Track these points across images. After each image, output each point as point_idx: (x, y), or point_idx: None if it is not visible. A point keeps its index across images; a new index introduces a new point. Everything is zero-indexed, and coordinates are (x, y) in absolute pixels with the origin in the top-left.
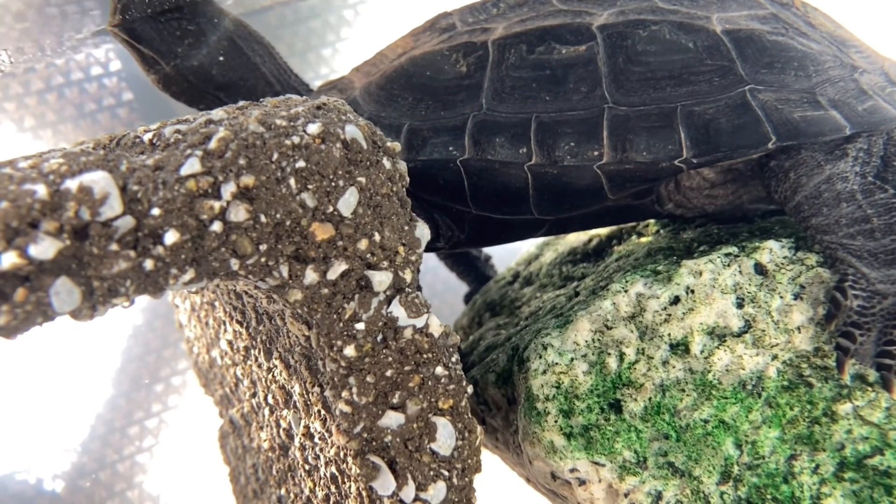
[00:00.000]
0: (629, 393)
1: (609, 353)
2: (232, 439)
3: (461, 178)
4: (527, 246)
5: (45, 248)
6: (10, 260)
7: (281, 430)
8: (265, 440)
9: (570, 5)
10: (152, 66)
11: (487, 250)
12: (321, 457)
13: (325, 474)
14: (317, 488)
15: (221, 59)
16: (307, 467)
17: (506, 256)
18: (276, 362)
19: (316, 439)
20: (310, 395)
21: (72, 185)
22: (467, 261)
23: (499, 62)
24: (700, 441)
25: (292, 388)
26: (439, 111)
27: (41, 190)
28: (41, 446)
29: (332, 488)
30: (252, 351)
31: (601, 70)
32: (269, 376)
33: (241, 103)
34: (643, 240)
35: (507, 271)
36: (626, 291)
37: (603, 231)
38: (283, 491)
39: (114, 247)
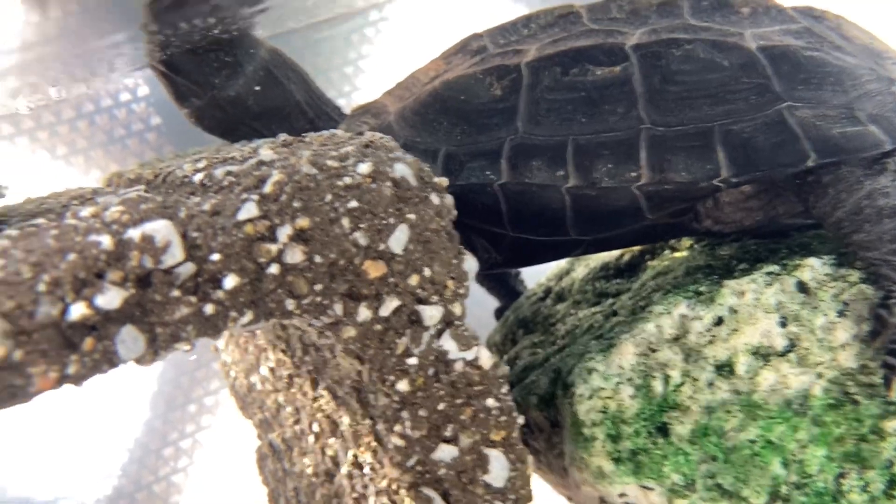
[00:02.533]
0: (676, 416)
1: (654, 377)
2: (271, 462)
3: (498, 202)
4: (552, 262)
5: (111, 297)
6: (79, 311)
7: (326, 458)
8: (309, 466)
9: (601, 25)
10: (186, 100)
11: None
12: (370, 487)
13: None
14: None
15: (258, 88)
16: (355, 496)
17: (535, 270)
18: (323, 392)
19: (366, 469)
20: (360, 426)
21: (134, 234)
22: (497, 276)
23: (533, 85)
24: (747, 462)
25: (340, 418)
26: (475, 135)
27: (106, 240)
28: (83, 472)
29: None
30: (296, 379)
31: (637, 90)
32: (315, 405)
33: (282, 137)
34: (677, 255)
35: (538, 287)
36: (669, 313)
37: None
38: None
39: (176, 293)
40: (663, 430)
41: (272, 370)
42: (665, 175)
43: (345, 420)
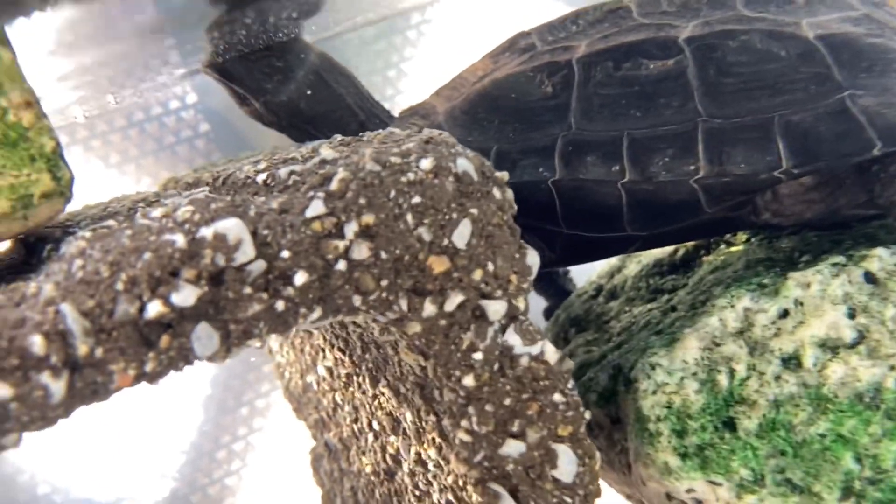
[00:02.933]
0: (742, 410)
1: (719, 371)
2: (326, 462)
3: (552, 199)
4: (605, 259)
5: (186, 295)
6: (155, 309)
7: (387, 456)
8: (367, 464)
9: (652, 19)
10: (244, 101)
11: None
12: (434, 483)
13: (438, 501)
14: None
15: (309, 92)
16: (417, 493)
17: (584, 269)
18: (384, 390)
19: (430, 466)
20: (423, 423)
21: (207, 233)
22: (547, 275)
23: (585, 80)
24: (818, 456)
25: (402, 415)
26: (527, 132)
27: (180, 239)
28: (141, 474)
29: None
30: (355, 378)
31: (692, 83)
32: (375, 403)
33: (339, 138)
34: (734, 249)
35: (589, 285)
36: (732, 307)
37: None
38: None
39: (248, 290)
40: (730, 425)
41: (330, 369)
42: (724, 167)
43: (407, 417)
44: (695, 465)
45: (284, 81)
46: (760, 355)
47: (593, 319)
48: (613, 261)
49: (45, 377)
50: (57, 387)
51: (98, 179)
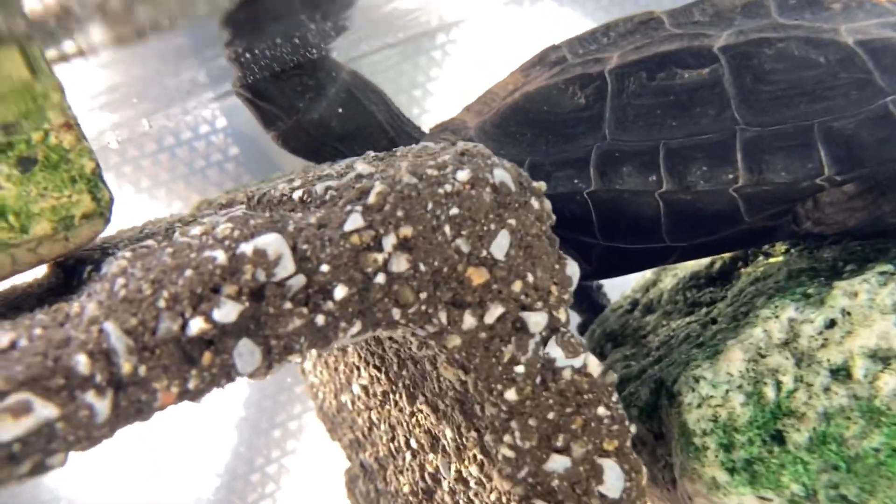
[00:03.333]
0: (791, 423)
1: (765, 383)
2: (362, 483)
3: (588, 211)
4: (640, 272)
5: (227, 311)
6: (197, 325)
7: (426, 475)
8: (405, 484)
9: (685, 29)
10: (273, 123)
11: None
12: (476, 502)
13: None
14: None
15: (340, 110)
16: None
17: (617, 284)
18: (422, 406)
19: (471, 484)
20: (464, 439)
21: (247, 248)
22: (580, 290)
23: (618, 91)
24: (873, 471)
25: (441, 432)
26: (560, 145)
27: (220, 256)
28: (178, 498)
29: None
30: (392, 395)
31: (728, 91)
32: (413, 420)
33: (372, 154)
34: (773, 260)
35: (624, 299)
36: (776, 317)
37: (725, 253)
38: None
39: (288, 305)
40: (779, 438)
41: (365, 387)
42: (763, 176)
43: (447, 434)
44: (743, 479)
45: (316, 99)
46: (808, 366)
47: (630, 334)
48: (648, 274)
49: (90, 396)
50: (102, 406)
51: (130, 204)
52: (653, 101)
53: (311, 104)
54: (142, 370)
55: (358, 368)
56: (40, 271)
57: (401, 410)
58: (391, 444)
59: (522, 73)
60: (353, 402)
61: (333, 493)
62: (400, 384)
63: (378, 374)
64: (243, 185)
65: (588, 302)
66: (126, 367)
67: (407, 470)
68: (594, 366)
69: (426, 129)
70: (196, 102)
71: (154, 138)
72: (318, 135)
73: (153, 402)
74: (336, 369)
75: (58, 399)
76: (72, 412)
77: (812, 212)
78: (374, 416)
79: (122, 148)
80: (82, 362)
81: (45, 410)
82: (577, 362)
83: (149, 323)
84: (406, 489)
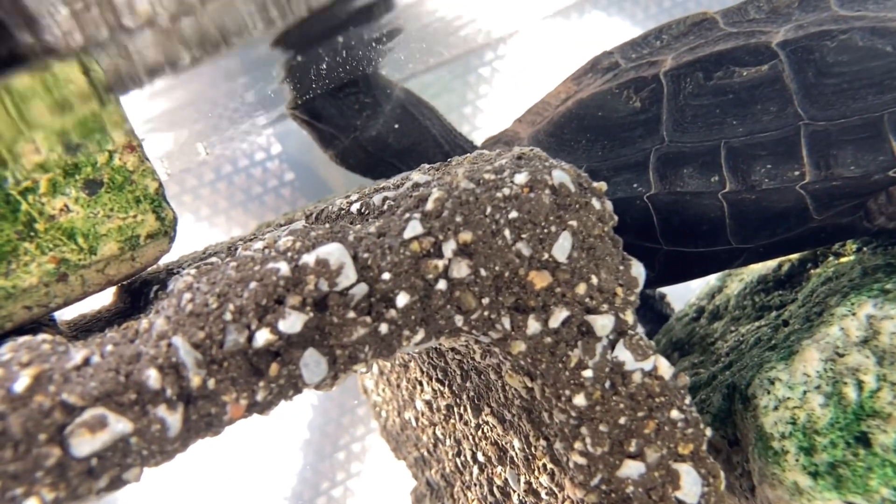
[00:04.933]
0: (876, 424)
1: (845, 383)
2: (429, 501)
3: (649, 215)
4: (704, 279)
5: (292, 322)
6: (263, 337)
7: (494, 488)
8: (473, 500)
9: (740, 27)
10: (331, 143)
11: (662, 288)
12: None
13: None
14: None
15: (396, 126)
16: None
17: (680, 293)
18: (488, 418)
19: (542, 495)
20: (532, 448)
21: (309, 259)
22: (643, 300)
23: (675, 93)
24: None
25: (508, 443)
26: (617, 149)
27: (283, 267)
28: None
29: None
30: (456, 409)
31: (790, 87)
32: (479, 433)
33: (426, 166)
34: (844, 260)
35: (689, 307)
36: (853, 314)
37: (793, 255)
38: None
39: (351, 314)
40: (864, 440)
41: (429, 402)
42: (832, 171)
43: (515, 444)
44: (828, 484)
45: (373, 116)
46: (891, 365)
47: (697, 342)
48: (713, 281)
49: (162, 410)
50: (173, 420)
51: (191, 232)
52: (711, 101)
53: (368, 121)
54: (211, 383)
55: (420, 383)
56: (106, 299)
57: (466, 423)
58: (457, 460)
59: (574, 82)
60: (416, 419)
61: None
62: (464, 396)
63: (441, 388)
64: (300, 207)
65: (652, 312)
66: (195, 380)
67: (475, 485)
68: (665, 368)
69: (478, 144)
70: (250, 128)
71: (212, 167)
72: (375, 151)
73: (223, 415)
74: (398, 386)
75: (131, 414)
76: (145, 426)
77: (885, 206)
78: (438, 432)
79: (181, 177)
80: (153, 377)
81: (120, 425)
82: (647, 365)
83: (216, 336)
84: None
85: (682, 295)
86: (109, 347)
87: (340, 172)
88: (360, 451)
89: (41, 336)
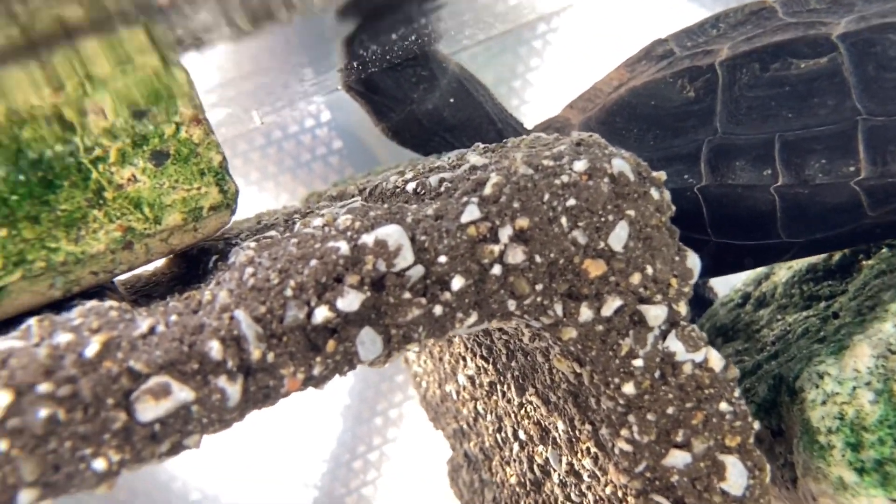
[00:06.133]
0: None
1: None
2: (465, 473)
3: (699, 207)
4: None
5: (350, 300)
6: (322, 314)
7: (535, 466)
8: (512, 475)
9: (800, 17)
10: (385, 115)
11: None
12: (588, 495)
13: None
14: None
15: (452, 100)
16: None
17: (722, 278)
18: (532, 398)
19: (584, 477)
20: (577, 431)
21: (369, 239)
22: None
23: (730, 84)
24: None
25: (552, 424)
26: (669, 139)
27: (343, 246)
28: (285, 482)
29: None
30: (499, 386)
31: (849, 81)
32: (521, 412)
33: (481, 146)
34: None
35: (734, 293)
36: None
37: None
38: None
39: (407, 295)
40: None
41: (471, 378)
42: (888, 167)
43: (558, 426)
44: (874, 481)
45: (430, 90)
46: None
47: (742, 329)
48: (760, 268)
49: (223, 381)
50: (233, 390)
51: (240, 196)
52: (767, 93)
53: (424, 95)
54: (270, 357)
55: (464, 359)
56: (159, 262)
57: (508, 401)
58: (497, 435)
59: (627, 69)
60: (457, 392)
61: (433, 481)
62: (508, 375)
63: (485, 365)
64: (349, 177)
65: (695, 297)
66: (256, 353)
67: (514, 461)
68: (716, 360)
69: (527, 120)
70: (302, 97)
71: (262, 132)
72: (429, 125)
73: (280, 387)
74: (441, 359)
75: (193, 383)
76: (206, 396)
77: None
78: (479, 407)
79: (233, 142)
80: (215, 348)
81: (182, 393)
82: (698, 357)
83: (276, 311)
84: (513, 480)
85: (725, 280)
86: (174, 317)
87: (388, 143)
88: (396, 417)
89: (108, 303)
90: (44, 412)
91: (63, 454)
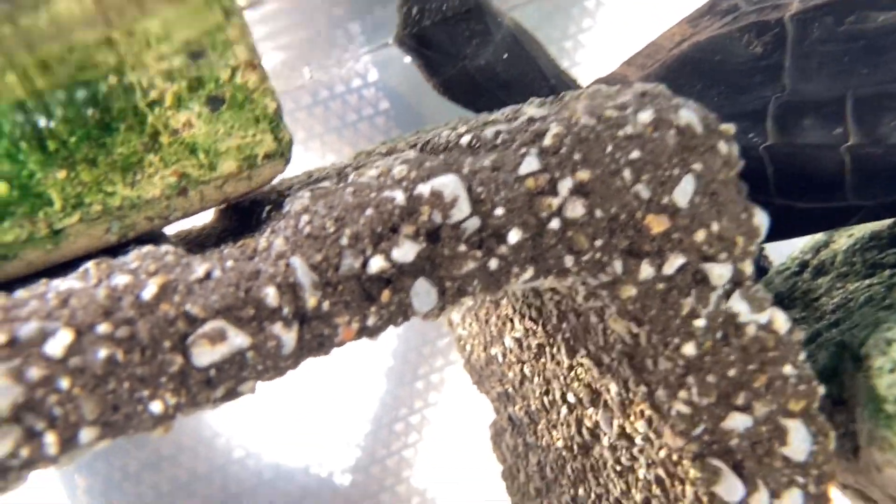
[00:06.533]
0: None
1: None
2: (509, 436)
3: (763, 166)
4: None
5: (405, 251)
6: (377, 264)
7: (583, 429)
8: (558, 439)
9: None
10: (437, 71)
11: None
12: (640, 458)
13: (645, 476)
14: (633, 490)
15: (506, 56)
16: (619, 468)
17: (777, 245)
18: (583, 360)
19: (636, 440)
20: (631, 394)
21: (424, 189)
22: None
23: (800, 38)
24: None
25: (603, 386)
26: (734, 96)
27: (399, 196)
28: (327, 442)
29: (657, 490)
30: (548, 348)
31: None
32: (571, 374)
33: (537, 100)
34: None
35: (791, 261)
36: None
37: None
38: (580, 491)
39: (462, 248)
40: None
41: (518, 340)
42: None
43: (611, 388)
44: None
45: (484, 44)
46: None
47: (799, 297)
48: (819, 235)
49: (278, 328)
50: (288, 337)
51: None
52: (840, 48)
53: (478, 49)
54: (325, 305)
55: (511, 321)
56: (207, 217)
57: (558, 364)
58: (545, 398)
59: (690, 24)
60: (503, 355)
61: (473, 445)
62: (559, 337)
63: (534, 327)
64: (398, 137)
65: None
66: (311, 301)
67: (562, 424)
68: (781, 322)
69: (579, 81)
70: (350, 55)
71: (309, 91)
72: (482, 80)
73: (335, 336)
74: (487, 322)
75: (249, 329)
76: (261, 342)
77: None
78: (526, 370)
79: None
80: (271, 294)
81: (238, 339)
82: (763, 318)
83: (332, 259)
84: (560, 444)
85: (779, 247)
86: (230, 263)
87: (436, 104)
88: (438, 381)
89: (164, 247)
90: (103, 352)
91: (122, 395)
